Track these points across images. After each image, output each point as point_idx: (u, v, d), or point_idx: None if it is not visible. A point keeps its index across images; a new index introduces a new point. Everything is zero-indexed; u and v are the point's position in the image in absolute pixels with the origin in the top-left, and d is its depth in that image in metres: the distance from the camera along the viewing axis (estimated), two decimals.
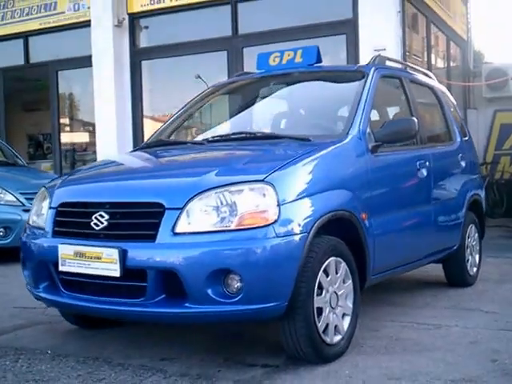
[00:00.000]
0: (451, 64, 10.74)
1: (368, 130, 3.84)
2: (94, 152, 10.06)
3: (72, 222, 3.36)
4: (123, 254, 3.03)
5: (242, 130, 4.34)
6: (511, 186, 10.93)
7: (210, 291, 2.94)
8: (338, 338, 3.35)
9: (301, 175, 3.27)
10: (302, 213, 3.13)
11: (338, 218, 3.39)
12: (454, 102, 5.79)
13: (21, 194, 7.10)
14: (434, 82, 5.45)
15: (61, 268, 3.26)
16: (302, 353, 3.20)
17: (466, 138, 5.57)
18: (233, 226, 2.98)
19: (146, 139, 10.24)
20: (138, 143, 9.82)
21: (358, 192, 3.61)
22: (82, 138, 11.62)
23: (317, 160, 3.44)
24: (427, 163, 4.46)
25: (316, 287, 3.17)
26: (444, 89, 5.71)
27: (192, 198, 3.04)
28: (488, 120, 11.17)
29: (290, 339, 3.17)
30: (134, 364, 3.31)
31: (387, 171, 4.00)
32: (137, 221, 3.13)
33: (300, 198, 3.15)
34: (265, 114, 4.90)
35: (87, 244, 3.17)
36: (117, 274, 3.05)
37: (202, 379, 3.08)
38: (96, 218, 3.20)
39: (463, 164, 5.23)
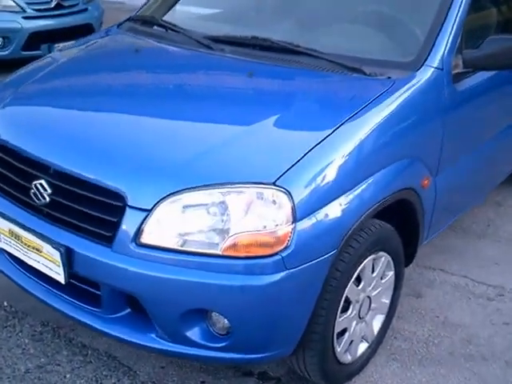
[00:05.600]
0: None
1: (455, 50, 2.54)
2: None
3: (8, 177, 2.38)
4: (68, 256, 2.12)
5: (262, 26, 2.98)
6: None
7: (186, 333, 2.07)
8: (362, 348, 2.53)
9: (337, 161, 2.09)
10: (330, 224, 2.06)
11: (389, 204, 2.33)
12: None
13: None
14: None
15: None
16: (311, 381, 2.41)
17: None
18: (222, 250, 1.97)
19: None
20: None
21: (424, 151, 2.51)
22: None
23: (368, 125, 2.21)
24: None
25: (340, 308, 2.26)
26: None
27: (167, 196, 2.01)
28: None
29: (298, 367, 2.36)
30: (100, 351, 2.61)
31: (469, 104, 2.74)
32: (88, 210, 2.11)
33: (331, 201, 2.07)
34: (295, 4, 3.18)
35: (24, 226, 2.23)
36: (61, 279, 2.17)
37: None
38: (36, 186, 2.23)
39: None
